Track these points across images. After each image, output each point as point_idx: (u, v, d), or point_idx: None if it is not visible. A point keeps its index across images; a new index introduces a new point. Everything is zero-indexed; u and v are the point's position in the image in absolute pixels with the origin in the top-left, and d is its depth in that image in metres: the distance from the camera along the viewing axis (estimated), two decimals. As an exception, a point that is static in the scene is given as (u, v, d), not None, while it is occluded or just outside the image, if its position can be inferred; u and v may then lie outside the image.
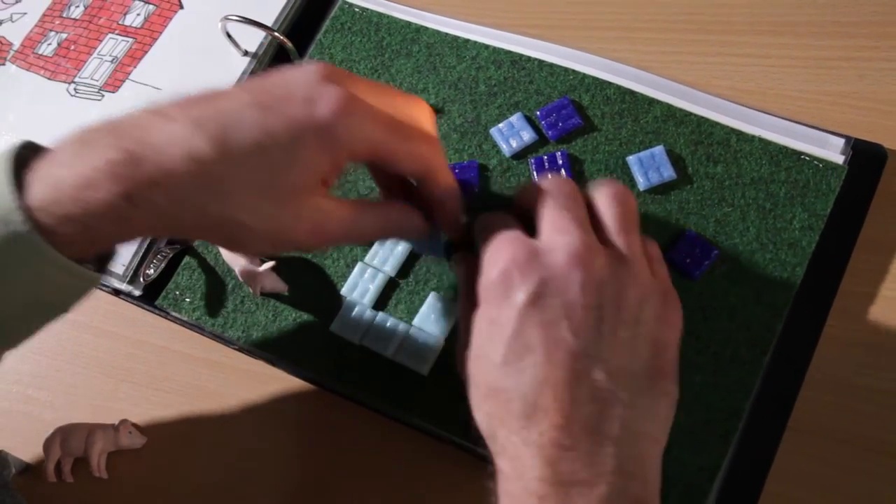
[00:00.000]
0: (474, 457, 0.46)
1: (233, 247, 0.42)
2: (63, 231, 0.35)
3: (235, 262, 0.50)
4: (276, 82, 0.38)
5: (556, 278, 0.35)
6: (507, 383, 0.35)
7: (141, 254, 0.54)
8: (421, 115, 0.42)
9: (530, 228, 0.39)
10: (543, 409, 0.34)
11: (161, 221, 0.36)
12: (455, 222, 0.43)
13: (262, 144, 0.36)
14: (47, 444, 0.51)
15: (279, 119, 0.36)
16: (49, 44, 0.64)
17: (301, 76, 0.38)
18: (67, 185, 0.35)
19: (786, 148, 0.50)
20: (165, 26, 0.62)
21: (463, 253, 0.43)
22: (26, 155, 0.38)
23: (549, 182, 0.40)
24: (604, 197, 0.40)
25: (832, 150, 0.50)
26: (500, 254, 0.37)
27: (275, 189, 0.37)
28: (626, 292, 0.36)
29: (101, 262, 0.43)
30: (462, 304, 0.41)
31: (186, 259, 0.54)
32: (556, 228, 0.37)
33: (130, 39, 0.62)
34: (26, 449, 0.52)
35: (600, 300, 0.35)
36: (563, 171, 0.51)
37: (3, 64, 0.64)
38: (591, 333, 0.35)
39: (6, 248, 0.35)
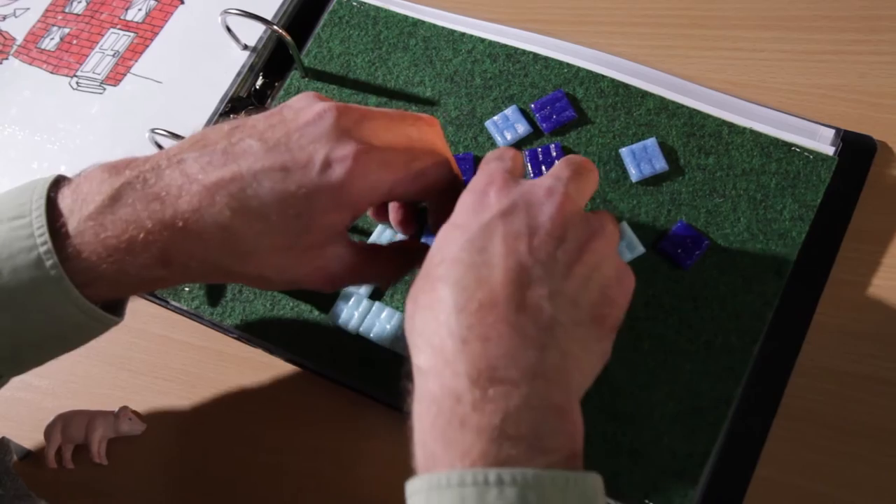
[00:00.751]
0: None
1: (252, 286, 0.48)
2: (90, 278, 0.38)
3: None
4: (292, 136, 0.39)
5: (529, 203, 0.37)
6: (452, 273, 0.35)
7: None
8: (433, 135, 0.43)
9: None
10: (479, 302, 0.34)
11: (187, 279, 0.41)
12: None
13: (281, 211, 0.38)
14: (48, 431, 0.51)
15: (297, 185, 0.38)
16: (52, 38, 0.65)
17: (316, 132, 0.39)
18: (101, 248, 0.37)
19: (777, 140, 0.51)
20: (166, 21, 0.63)
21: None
22: (55, 190, 0.39)
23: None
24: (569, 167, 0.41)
25: (822, 142, 0.50)
26: (484, 177, 0.39)
27: (295, 249, 0.39)
28: (590, 241, 0.37)
29: (115, 307, 0.43)
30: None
31: (186, 249, 0.54)
32: (546, 175, 0.39)
33: (132, 34, 0.63)
34: (28, 436, 0.53)
35: (564, 234, 0.36)
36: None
37: (7, 58, 0.65)
38: (546, 257, 0.35)
39: (35, 289, 0.37)
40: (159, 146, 0.55)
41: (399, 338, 0.49)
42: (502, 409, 0.32)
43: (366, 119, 0.40)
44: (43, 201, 0.38)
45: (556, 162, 0.42)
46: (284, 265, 0.40)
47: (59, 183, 0.40)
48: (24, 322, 0.39)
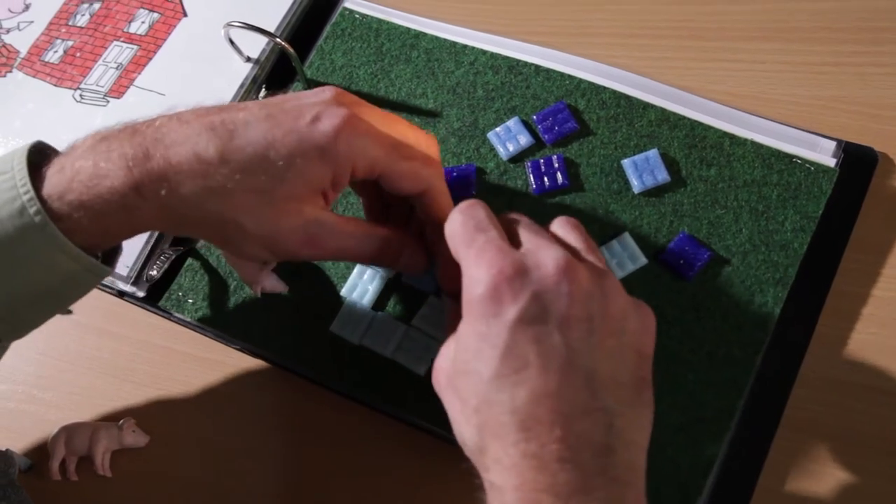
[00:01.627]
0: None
1: (230, 248, 0.43)
2: (76, 217, 0.38)
3: (238, 264, 0.51)
4: (289, 101, 0.41)
5: (547, 292, 0.35)
6: (502, 396, 0.35)
7: (145, 256, 0.55)
8: (427, 144, 0.44)
9: None
10: (541, 421, 0.34)
11: (164, 214, 0.39)
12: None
13: (264, 152, 0.38)
14: (52, 443, 0.52)
15: (284, 130, 0.39)
16: (55, 51, 0.65)
17: (312, 97, 0.41)
18: (84, 175, 0.38)
19: (778, 151, 0.51)
20: (169, 33, 0.64)
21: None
22: (42, 150, 0.41)
23: (516, 214, 0.41)
24: (561, 225, 0.41)
25: (824, 154, 0.51)
26: (483, 266, 0.36)
27: (273, 195, 0.39)
28: (610, 303, 0.36)
29: (108, 260, 0.44)
30: (448, 317, 0.42)
31: (189, 261, 0.55)
32: (538, 244, 0.37)
33: (135, 46, 0.64)
34: (31, 448, 0.53)
35: (589, 312, 0.35)
36: (559, 174, 0.52)
37: (11, 71, 0.65)
38: (583, 345, 0.35)
39: (21, 237, 0.38)
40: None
41: (403, 350, 0.49)
42: None
43: (364, 106, 0.42)
44: (24, 156, 0.39)
45: (509, 218, 0.41)
46: (261, 213, 0.39)
47: (45, 148, 0.42)
48: (15, 276, 0.39)
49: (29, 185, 0.38)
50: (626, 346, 0.36)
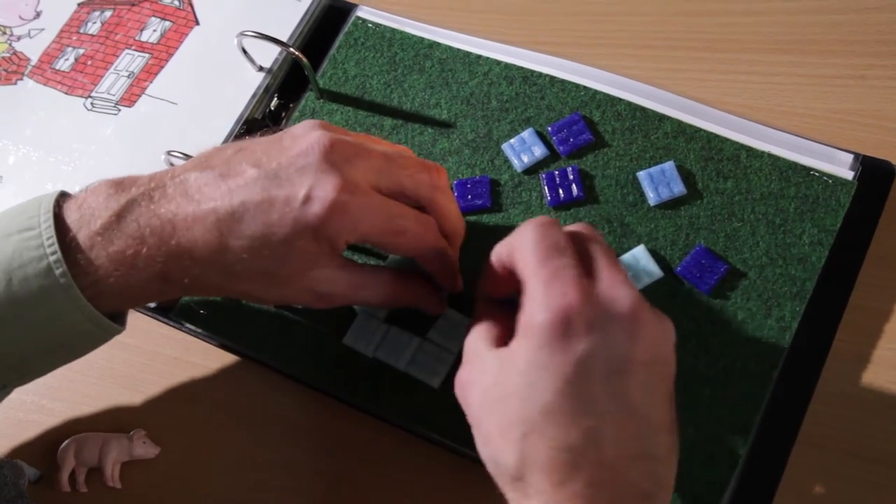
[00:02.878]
0: (481, 466, 0.47)
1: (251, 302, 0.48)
2: (102, 291, 0.40)
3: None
4: (282, 166, 0.40)
5: (619, 333, 0.35)
6: (557, 432, 0.34)
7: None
8: (431, 189, 0.43)
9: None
10: (593, 463, 0.33)
11: (186, 293, 0.44)
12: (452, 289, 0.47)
13: (264, 241, 0.40)
14: (62, 454, 0.51)
15: (279, 216, 0.39)
16: (66, 59, 0.65)
17: (304, 163, 0.40)
18: (107, 261, 0.40)
19: (795, 164, 0.50)
20: (181, 42, 0.63)
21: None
22: (60, 204, 0.42)
23: (589, 229, 0.40)
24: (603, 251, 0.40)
25: (841, 166, 0.50)
26: (561, 295, 0.35)
27: (277, 276, 0.41)
28: (667, 348, 0.37)
29: (118, 317, 0.45)
30: (476, 318, 0.42)
31: (201, 271, 0.54)
32: (614, 280, 0.36)
33: (147, 55, 0.63)
34: (41, 458, 0.52)
35: (653, 357, 0.36)
36: (574, 186, 0.51)
37: (21, 79, 0.65)
38: (644, 391, 0.35)
39: (43, 297, 0.39)
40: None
41: (417, 363, 0.49)
42: None
43: (359, 157, 0.41)
44: (51, 214, 0.40)
45: (590, 243, 0.39)
46: (271, 288, 0.42)
47: (62, 198, 0.42)
48: (32, 331, 0.40)
49: (56, 247, 0.39)
50: (668, 391, 0.37)
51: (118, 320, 0.44)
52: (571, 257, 0.37)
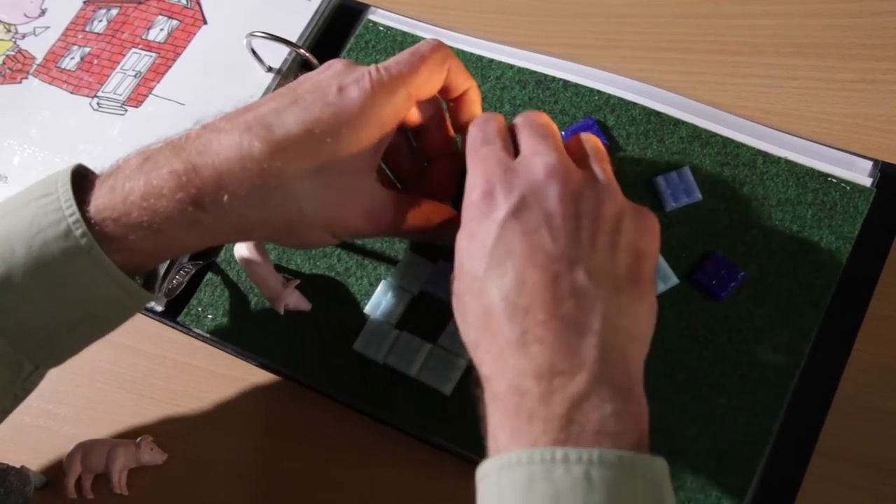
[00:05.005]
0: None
1: (294, 240, 0.44)
2: (132, 238, 0.39)
3: (261, 281, 0.50)
4: (304, 84, 0.41)
5: (535, 191, 0.37)
6: (491, 288, 0.36)
7: (164, 270, 0.54)
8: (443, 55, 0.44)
9: None
10: (524, 308, 0.35)
11: (228, 222, 0.40)
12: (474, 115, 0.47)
13: (308, 135, 0.39)
14: (68, 460, 0.51)
15: (319, 107, 0.39)
16: (72, 58, 0.64)
17: (326, 69, 0.42)
18: (136, 195, 0.38)
19: (812, 170, 0.50)
20: (189, 41, 0.63)
21: None
22: (82, 172, 0.41)
23: (526, 114, 0.43)
24: (577, 137, 0.43)
25: (859, 173, 0.50)
26: (480, 173, 0.39)
27: (329, 174, 0.40)
28: (602, 205, 0.38)
29: (148, 283, 0.44)
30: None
31: (209, 275, 0.54)
32: (534, 150, 0.39)
33: (154, 54, 0.63)
34: (47, 464, 0.52)
35: (578, 210, 0.37)
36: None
37: (26, 78, 0.64)
38: (570, 239, 0.36)
39: (65, 260, 0.38)
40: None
41: (427, 369, 0.48)
42: (567, 399, 0.33)
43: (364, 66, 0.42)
44: (68, 178, 0.39)
45: (519, 126, 0.43)
46: (322, 195, 0.40)
47: (85, 170, 0.42)
48: (58, 300, 0.39)
49: (74, 207, 0.38)
50: (621, 243, 0.38)
51: (149, 288, 0.43)
52: (497, 141, 0.41)
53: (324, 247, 0.53)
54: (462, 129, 0.47)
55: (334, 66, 0.42)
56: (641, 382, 0.36)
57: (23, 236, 0.38)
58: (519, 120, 0.43)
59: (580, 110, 0.53)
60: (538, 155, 0.39)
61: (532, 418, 0.33)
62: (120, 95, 0.62)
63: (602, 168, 0.40)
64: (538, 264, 0.36)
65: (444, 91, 0.45)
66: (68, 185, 0.39)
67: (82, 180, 0.40)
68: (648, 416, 0.35)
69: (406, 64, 0.41)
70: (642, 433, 0.34)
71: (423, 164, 0.49)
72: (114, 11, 0.65)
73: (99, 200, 0.39)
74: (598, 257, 0.37)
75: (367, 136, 0.40)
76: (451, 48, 0.56)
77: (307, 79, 0.42)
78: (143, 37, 0.64)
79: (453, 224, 0.45)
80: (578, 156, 0.41)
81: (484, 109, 0.54)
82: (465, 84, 0.45)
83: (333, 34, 0.60)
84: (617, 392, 0.34)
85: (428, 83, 0.42)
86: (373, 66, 0.41)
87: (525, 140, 0.41)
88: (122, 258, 0.39)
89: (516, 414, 0.34)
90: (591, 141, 0.43)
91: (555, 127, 0.42)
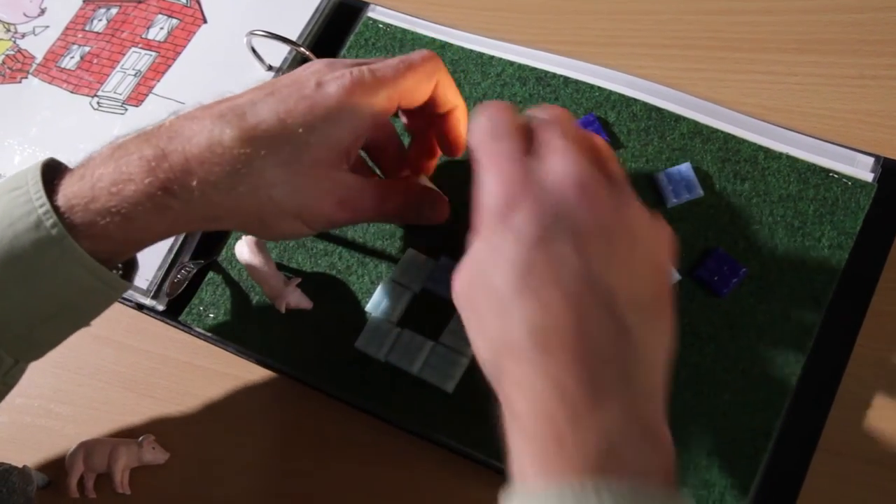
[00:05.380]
0: (497, 473, 0.46)
1: (267, 231, 0.43)
2: (101, 224, 0.38)
3: (262, 279, 0.50)
4: (284, 79, 0.41)
5: (564, 203, 0.34)
6: (517, 313, 0.34)
7: (165, 269, 0.54)
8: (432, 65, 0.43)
9: None
10: (556, 339, 0.33)
11: (197, 208, 0.39)
12: (460, 137, 0.47)
13: (281, 124, 0.39)
14: (70, 460, 0.51)
15: (295, 100, 0.39)
16: (72, 57, 0.64)
17: (307, 67, 0.42)
18: (106, 181, 0.38)
19: (814, 165, 0.50)
20: (189, 40, 0.63)
21: None
22: (55, 166, 0.41)
23: (544, 108, 0.40)
24: (585, 135, 0.40)
25: (861, 168, 0.49)
26: (497, 175, 0.36)
27: (300, 163, 0.39)
28: (626, 215, 0.36)
29: (126, 275, 0.44)
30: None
31: (210, 275, 0.53)
32: (558, 150, 0.36)
33: (154, 53, 0.63)
34: (49, 464, 0.52)
35: (605, 224, 0.35)
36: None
37: (26, 77, 0.64)
38: (600, 259, 0.34)
39: (37, 251, 0.38)
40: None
41: (429, 367, 0.48)
42: (596, 429, 0.32)
43: (357, 60, 0.43)
44: (38, 171, 0.39)
45: (537, 121, 0.39)
46: (293, 184, 0.40)
47: (58, 164, 0.41)
48: (33, 291, 0.39)
49: (44, 198, 0.38)
50: (642, 258, 0.36)
51: (128, 276, 0.43)
52: (512, 140, 0.37)
53: (300, 238, 0.53)
54: (446, 148, 0.48)
55: (316, 64, 0.42)
56: (665, 412, 0.34)
57: None
58: (537, 113, 0.40)
59: (581, 107, 0.53)
60: (564, 161, 0.36)
61: (560, 448, 0.32)
62: (120, 95, 0.62)
63: (618, 170, 0.38)
64: (568, 289, 0.33)
65: (432, 104, 0.44)
66: (38, 178, 0.39)
67: (54, 172, 0.40)
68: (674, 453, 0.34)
69: (392, 68, 0.41)
70: (669, 470, 0.33)
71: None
72: (113, 10, 0.65)
73: (68, 189, 0.39)
74: (625, 277, 0.34)
75: (340, 131, 0.40)
76: (452, 45, 0.57)
77: (288, 75, 0.42)
78: (143, 36, 0.64)
79: (432, 202, 0.47)
80: (591, 156, 0.39)
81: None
82: (453, 101, 0.45)
83: (333, 32, 0.60)
84: (646, 426, 0.33)
85: (414, 91, 0.42)
86: (356, 67, 0.41)
87: (546, 139, 0.37)
88: (93, 245, 0.39)
89: (543, 442, 0.33)
90: (597, 138, 0.41)
91: (576, 125, 0.40)
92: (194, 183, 0.38)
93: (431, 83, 0.43)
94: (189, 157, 0.38)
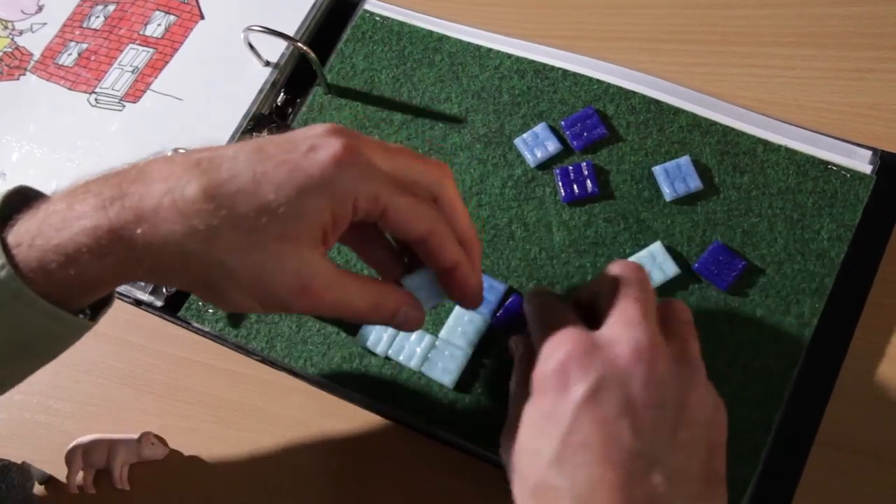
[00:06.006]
0: (497, 467, 0.46)
1: (214, 297, 0.37)
2: (46, 262, 0.35)
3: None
4: (280, 137, 0.36)
5: (618, 373, 0.34)
6: (559, 481, 0.33)
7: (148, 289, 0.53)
8: (439, 174, 0.39)
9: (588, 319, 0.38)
10: None
11: (141, 260, 0.35)
12: (467, 294, 0.40)
13: (254, 185, 0.34)
14: (69, 456, 0.51)
15: (276, 161, 0.34)
16: (69, 54, 0.64)
17: (306, 130, 0.37)
18: (56, 218, 0.35)
19: (813, 158, 0.50)
20: (186, 36, 0.62)
21: (522, 337, 0.42)
22: (26, 195, 0.38)
23: (622, 268, 0.39)
24: (671, 304, 0.39)
25: (860, 161, 0.49)
26: (559, 345, 0.35)
27: (264, 234, 0.34)
28: (687, 394, 0.35)
29: (96, 310, 0.41)
30: (515, 389, 0.40)
31: (209, 269, 0.53)
32: (625, 320, 0.36)
33: (151, 50, 0.62)
34: (48, 460, 0.52)
35: (662, 399, 0.34)
36: (588, 181, 0.50)
37: (24, 74, 0.64)
38: (651, 434, 0.33)
39: None
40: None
41: (430, 362, 0.48)
42: None
43: (363, 136, 0.37)
44: None
45: (621, 287, 0.38)
46: (250, 254, 0.34)
47: (31, 194, 0.38)
48: None
49: None
50: (698, 438, 0.35)
51: (95, 315, 0.40)
52: (566, 309, 0.38)
53: (252, 313, 0.50)
54: (456, 299, 0.41)
55: (319, 126, 0.37)
56: None
57: None
58: (615, 269, 0.39)
59: (579, 100, 0.53)
60: (627, 327, 0.35)
61: None
62: (118, 91, 0.61)
63: (691, 345, 0.37)
64: (614, 463, 0.32)
65: (432, 259, 0.39)
66: None
67: (23, 203, 0.37)
68: None
69: (396, 161, 0.37)
70: None
71: (404, 260, 0.43)
72: (111, 7, 0.65)
73: (22, 226, 0.35)
74: (677, 455, 0.33)
75: (318, 208, 0.34)
76: (450, 37, 0.57)
77: (291, 132, 0.37)
78: (141, 32, 0.64)
79: (406, 315, 0.40)
80: (668, 327, 0.38)
81: (481, 99, 0.54)
82: (454, 258, 0.39)
83: (331, 27, 0.60)
84: None
85: (409, 217, 0.37)
86: (355, 142, 0.36)
87: (612, 306, 0.37)
88: (47, 287, 0.35)
89: None
90: (684, 313, 0.39)
91: (650, 287, 0.38)
92: (139, 231, 0.34)
93: (427, 211, 0.37)
94: (144, 203, 0.34)
